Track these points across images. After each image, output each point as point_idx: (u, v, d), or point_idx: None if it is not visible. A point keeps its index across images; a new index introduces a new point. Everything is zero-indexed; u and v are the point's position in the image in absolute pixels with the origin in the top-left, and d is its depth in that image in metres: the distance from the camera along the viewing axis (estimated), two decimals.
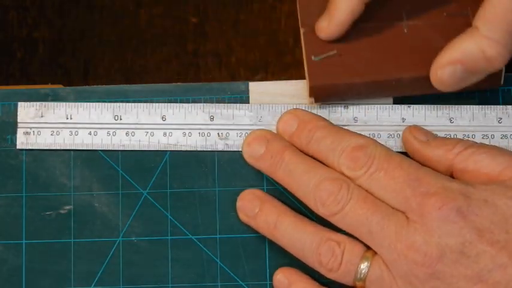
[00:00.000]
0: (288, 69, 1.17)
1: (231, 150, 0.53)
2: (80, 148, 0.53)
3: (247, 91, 0.54)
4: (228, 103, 0.54)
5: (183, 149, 0.53)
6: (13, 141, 0.54)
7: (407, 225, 0.47)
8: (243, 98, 0.54)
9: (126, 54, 1.23)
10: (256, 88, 0.54)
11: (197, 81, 1.25)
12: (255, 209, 0.51)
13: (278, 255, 0.53)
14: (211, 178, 0.53)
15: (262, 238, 0.52)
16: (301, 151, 0.51)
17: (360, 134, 0.50)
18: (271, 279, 0.52)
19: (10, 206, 0.53)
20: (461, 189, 0.47)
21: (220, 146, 0.53)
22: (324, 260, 0.49)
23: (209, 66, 1.22)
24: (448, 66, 0.49)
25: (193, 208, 0.53)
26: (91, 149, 0.53)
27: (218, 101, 0.54)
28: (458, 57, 0.48)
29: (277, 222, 0.50)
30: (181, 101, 0.54)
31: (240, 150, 0.53)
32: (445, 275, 0.46)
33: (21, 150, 0.53)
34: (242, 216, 0.52)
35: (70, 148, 0.53)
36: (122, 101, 0.54)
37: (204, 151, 0.53)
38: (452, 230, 0.46)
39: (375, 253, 0.48)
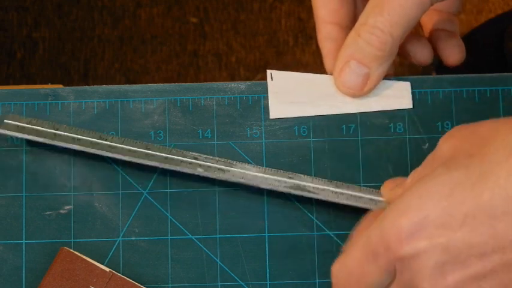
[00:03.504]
0: (288, 69, 1.17)
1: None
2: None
3: (247, 91, 0.54)
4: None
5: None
6: (13, 141, 0.54)
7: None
8: (242, 98, 0.54)
9: (126, 54, 1.23)
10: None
11: (197, 81, 1.26)
12: None
13: (278, 255, 0.53)
14: (211, 178, 0.53)
15: (262, 238, 0.52)
16: None
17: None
18: (271, 279, 0.53)
19: (10, 206, 0.53)
20: (394, 222, 0.42)
21: None
22: None
23: (209, 66, 1.22)
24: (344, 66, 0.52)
25: (193, 208, 0.53)
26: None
27: (218, 101, 0.54)
28: (348, 55, 0.51)
29: None
30: (181, 101, 0.54)
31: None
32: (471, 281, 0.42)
33: (22, 148, 0.53)
34: None
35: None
36: (122, 101, 0.54)
37: (203, 150, 0.53)
38: (430, 254, 0.41)
39: None
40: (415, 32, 0.55)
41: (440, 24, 0.56)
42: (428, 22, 0.56)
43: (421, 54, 0.54)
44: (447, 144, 0.44)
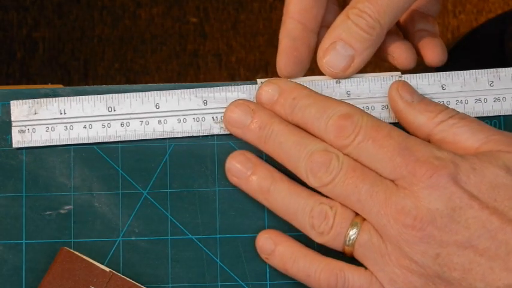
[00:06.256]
0: None
1: (227, 133, 0.53)
2: (75, 142, 0.53)
3: None
4: (220, 86, 0.54)
5: (179, 135, 0.53)
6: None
7: (397, 191, 0.47)
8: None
9: (126, 54, 1.23)
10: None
11: (197, 81, 1.26)
12: (247, 171, 0.51)
13: None
14: (211, 178, 0.53)
15: None
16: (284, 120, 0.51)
17: (345, 102, 0.50)
18: (271, 279, 0.53)
19: (10, 206, 0.53)
20: (451, 158, 0.47)
21: (215, 130, 0.53)
22: (316, 223, 0.49)
23: (209, 66, 1.22)
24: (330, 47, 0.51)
25: (193, 208, 0.53)
26: (87, 142, 0.53)
27: None
28: (336, 35, 0.51)
29: (271, 185, 0.50)
30: None
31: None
32: (435, 239, 0.46)
33: (18, 149, 0.53)
34: (232, 178, 0.52)
35: (66, 143, 0.53)
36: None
37: (204, 150, 0.53)
38: (443, 196, 0.46)
39: (365, 219, 0.49)
40: (396, 31, 0.55)
41: (421, 25, 0.56)
42: (409, 23, 0.56)
43: (405, 57, 0.54)
44: None
